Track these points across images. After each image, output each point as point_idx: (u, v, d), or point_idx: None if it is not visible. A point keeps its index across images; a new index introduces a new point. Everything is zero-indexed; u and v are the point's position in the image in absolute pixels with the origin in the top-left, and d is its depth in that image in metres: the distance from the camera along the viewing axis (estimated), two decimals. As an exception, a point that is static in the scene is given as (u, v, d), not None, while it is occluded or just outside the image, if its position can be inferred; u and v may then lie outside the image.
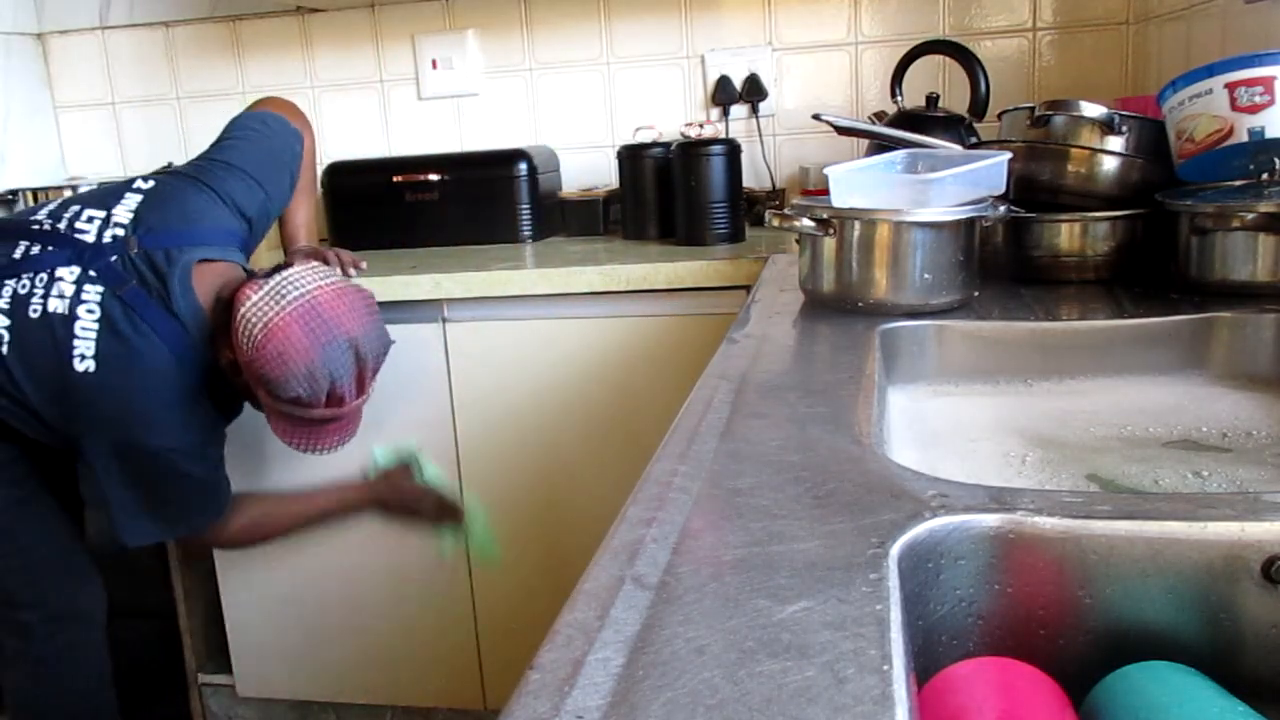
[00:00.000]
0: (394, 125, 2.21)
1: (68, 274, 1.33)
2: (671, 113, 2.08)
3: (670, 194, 1.79)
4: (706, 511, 0.60)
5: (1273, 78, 1.11)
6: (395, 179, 1.94)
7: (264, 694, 1.88)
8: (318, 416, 1.37)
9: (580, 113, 2.13)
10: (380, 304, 1.62)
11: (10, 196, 2.10)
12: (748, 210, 1.87)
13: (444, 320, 1.65)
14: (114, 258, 1.34)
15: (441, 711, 1.82)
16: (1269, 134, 1.11)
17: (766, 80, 2.04)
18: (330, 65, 2.20)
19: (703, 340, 1.53)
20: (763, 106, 2.05)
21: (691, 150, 1.73)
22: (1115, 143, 1.23)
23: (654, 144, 1.84)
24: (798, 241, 1.19)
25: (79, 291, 1.32)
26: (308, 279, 1.34)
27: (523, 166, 1.92)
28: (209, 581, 1.85)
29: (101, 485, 1.37)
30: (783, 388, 0.85)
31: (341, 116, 2.22)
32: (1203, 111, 1.16)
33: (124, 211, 1.39)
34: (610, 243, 1.88)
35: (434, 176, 1.93)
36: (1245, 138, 1.13)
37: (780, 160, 2.09)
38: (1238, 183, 1.15)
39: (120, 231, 1.37)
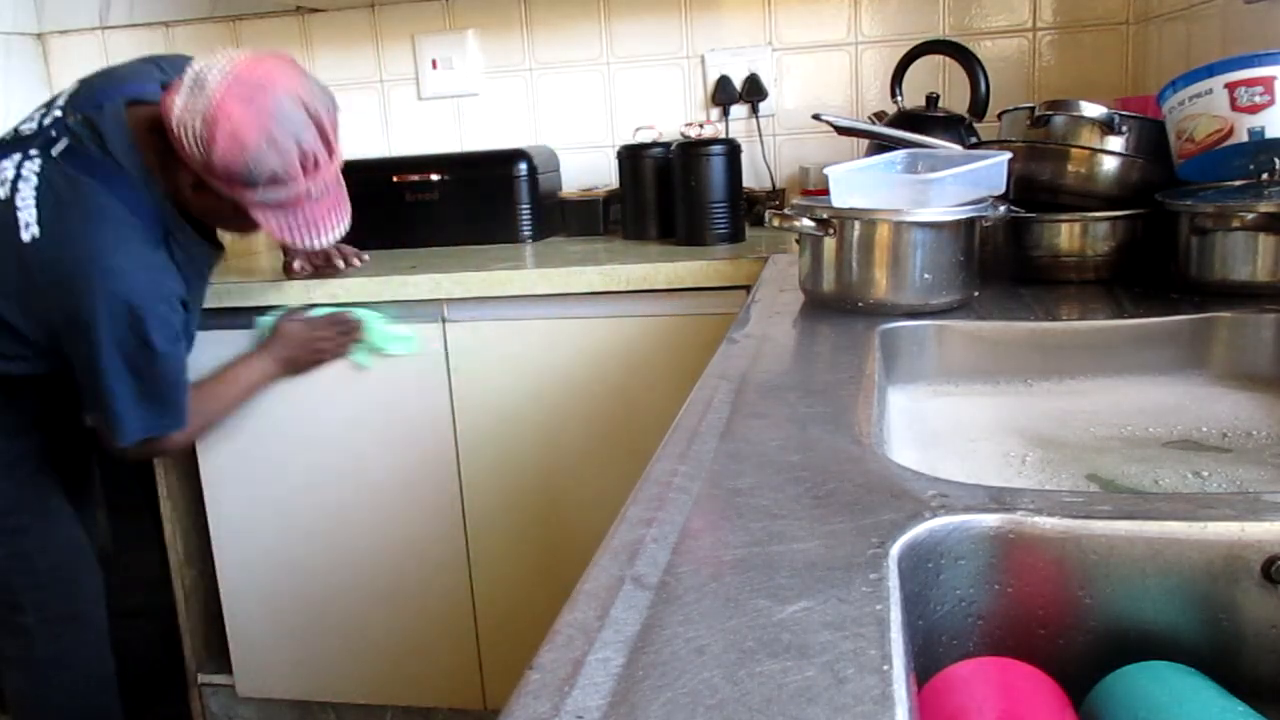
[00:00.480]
0: (394, 125, 2.21)
1: (9, 163, 1.33)
2: (671, 113, 2.08)
3: (670, 194, 1.79)
4: (706, 511, 0.60)
5: (1273, 78, 1.11)
6: (395, 179, 1.94)
7: (264, 694, 1.88)
8: (302, 191, 1.34)
9: (580, 113, 2.13)
10: (380, 304, 1.64)
11: (10, 196, 2.10)
12: (748, 210, 1.87)
13: (444, 320, 1.65)
14: (53, 132, 1.34)
15: (441, 711, 1.82)
16: (1269, 134, 1.11)
17: (766, 80, 2.04)
18: (330, 65, 2.20)
19: (703, 340, 1.53)
20: (763, 106, 2.05)
21: (691, 150, 1.73)
22: (1115, 143, 1.23)
23: (654, 144, 1.84)
24: (798, 241, 1.19)
25: (19, 173, 1.31)
26: (219, 61, 1.30)
27: (523, 166, 1.92)
28: (209, 581, 1.85)
29: (89, 386, 1.33)
30: (783, 388, 0.85)
31: (341, 116, 2.21)
32: (1203, 111, 1.16)
33: (63, 97, 1.39)
34: (610, 243, 1.88)
35: (434, 176, 1.93)
36: (1245, 138, 1.13)
37: (780, 160, 2.09)
38: (1238, 183, 1.15)
39: (59, 113, 1.36)
